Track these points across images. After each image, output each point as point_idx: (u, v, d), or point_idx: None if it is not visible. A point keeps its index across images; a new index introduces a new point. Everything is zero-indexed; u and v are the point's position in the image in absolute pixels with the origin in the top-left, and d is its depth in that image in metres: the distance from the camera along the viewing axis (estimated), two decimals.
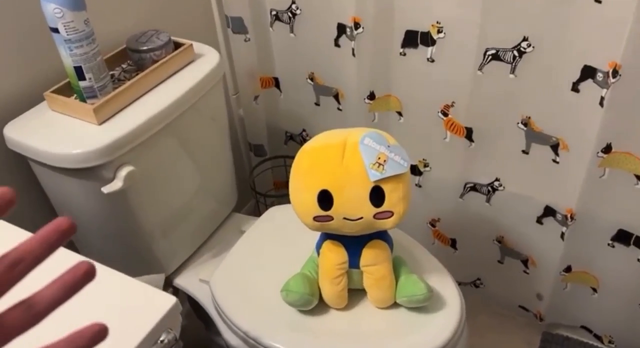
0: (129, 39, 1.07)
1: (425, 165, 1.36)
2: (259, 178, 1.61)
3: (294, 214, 0.95)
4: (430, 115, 1.27)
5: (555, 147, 1.17)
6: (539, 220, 1.29)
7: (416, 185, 1.41)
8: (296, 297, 0.98)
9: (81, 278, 0.30)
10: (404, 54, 1.22)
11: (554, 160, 1.19)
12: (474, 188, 1.34)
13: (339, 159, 0.90)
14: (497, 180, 1.29)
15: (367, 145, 0.89)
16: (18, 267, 0.29)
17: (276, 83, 1.49)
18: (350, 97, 1.35)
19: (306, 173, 0.92)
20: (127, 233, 1.06)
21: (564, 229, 1.24)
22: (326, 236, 1.00)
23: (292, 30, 1.34)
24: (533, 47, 1.06)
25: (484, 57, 1.12)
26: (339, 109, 1.41)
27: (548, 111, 1.13)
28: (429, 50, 1.19)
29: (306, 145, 0.94)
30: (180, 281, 1.21)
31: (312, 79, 1.40)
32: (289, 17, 1.32)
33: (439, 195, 1.40)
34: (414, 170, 1.39)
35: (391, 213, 0.90)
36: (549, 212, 1.26)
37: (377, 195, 0.89)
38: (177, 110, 1.02)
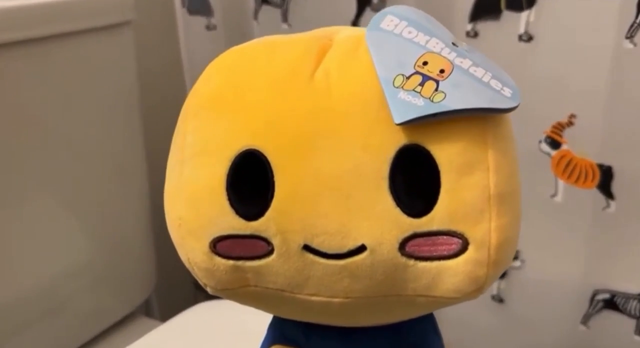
0: None
1: (514, 257, 0.73)
2: None
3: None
4: (526, 148, 0.67)
5: None
6: None
7: (492, 297, 0.76)
8: None
9: None
10: (475, 34, 0.67)
11: None
12: (612, 302, 0.68)
13: (306, 70, 0.29)
14: None
15: (390, 33, 0.30)
16: None
17: None
18: None
19: (214, 102, 0.30)
20: None
21: None
22: (272, 336, 0.36)
23: (285, 19, 0.82)
24: None
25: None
26: None
27: None
28: (523, 16, 0.64)
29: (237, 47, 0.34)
30: None
31: None
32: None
33: (539, 319, 0.74)
34: None
35: (461, 241, 0.27)
36: None
37: (411, 183, 0.28)
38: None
